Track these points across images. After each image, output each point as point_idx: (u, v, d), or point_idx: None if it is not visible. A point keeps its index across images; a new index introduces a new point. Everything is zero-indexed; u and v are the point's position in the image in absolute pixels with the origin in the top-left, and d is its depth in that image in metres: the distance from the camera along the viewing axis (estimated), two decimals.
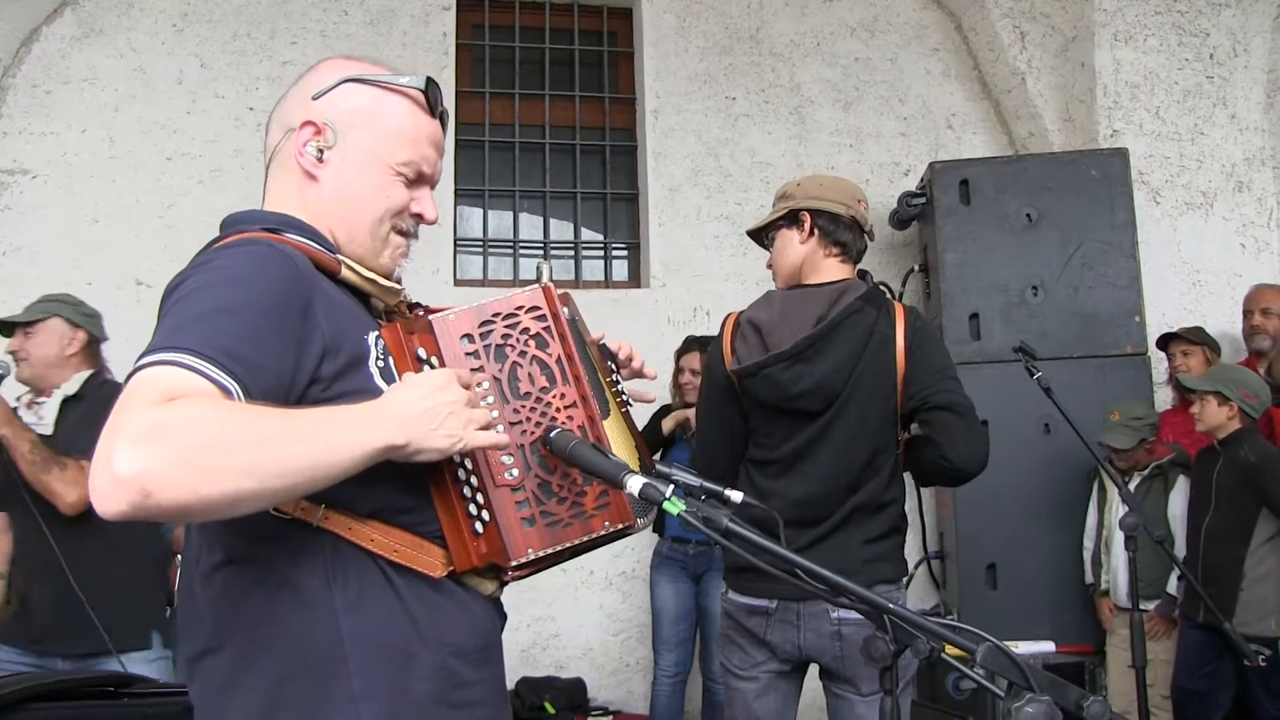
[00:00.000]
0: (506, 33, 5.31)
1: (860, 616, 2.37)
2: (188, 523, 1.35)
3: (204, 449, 1.05)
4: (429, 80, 1.44)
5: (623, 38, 5.40)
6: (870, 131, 5.35)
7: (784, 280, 2.71)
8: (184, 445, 1.05)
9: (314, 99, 1.41)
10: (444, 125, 1.48)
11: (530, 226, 5.26)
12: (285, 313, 1.23)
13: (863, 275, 2.67)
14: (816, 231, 2.63)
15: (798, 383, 2.50)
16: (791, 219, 2.67)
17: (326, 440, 1.16)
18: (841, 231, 2.63)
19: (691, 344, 4.44)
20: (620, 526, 1.38)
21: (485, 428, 1.28)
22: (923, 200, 4.82)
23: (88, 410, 3.15)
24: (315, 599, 1.28)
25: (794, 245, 2.67)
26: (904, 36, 5.46)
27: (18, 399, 3.19)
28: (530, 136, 5.24)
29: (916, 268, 5.00)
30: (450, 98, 5.04)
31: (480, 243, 5.18)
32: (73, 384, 3.19)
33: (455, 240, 5.04)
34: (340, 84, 1.41)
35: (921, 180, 4.90)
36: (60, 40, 4.77)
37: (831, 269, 2.63)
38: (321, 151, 1.40)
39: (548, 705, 4.58)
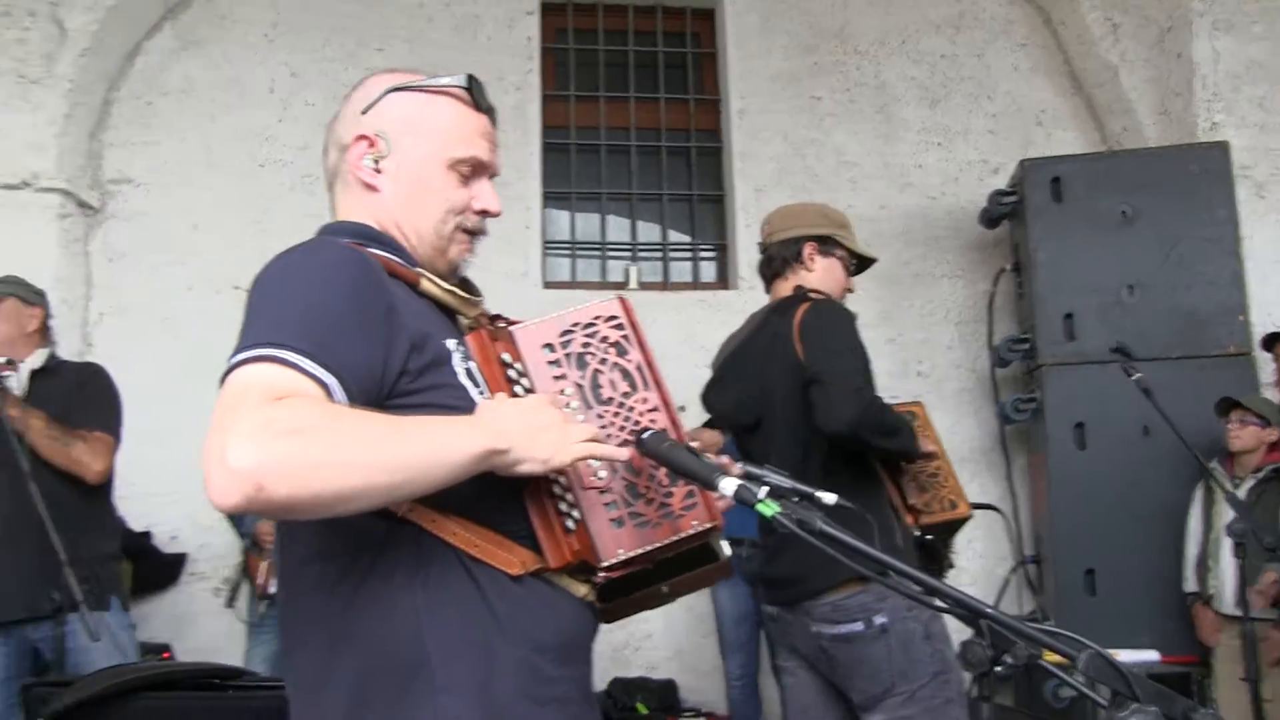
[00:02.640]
0: (590, 36, 5.61)
1: (840, 630, 2.63)
2: (291, 518, 1.43)
3: (315, 448, 1.18)
4: (470, 77, 1.56)
5: (706, 39, 5.69)
6: (958, 129, 5.56)
7: None
8: (296, 444, 1.17)
9: (363, 114, 1.54)
10: (493, 120, 1.59)
11: (617, 228, 5.56)
12: (371, 309, 1.34)
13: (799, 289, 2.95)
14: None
15: (721, 405, 2.96)
16: None
17: (431, 443, 1.27)
18: (764, 262, 3.02)
19: None
20: (708, 525, 1.44)
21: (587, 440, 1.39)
22: (1014, 198, 5.01)
23: (65, 385, 3.60)
24: (400, 593, 1.36)
25: None
26: (990, 32, 5.66)
27: None
28: (616, 139, 5.57)
29: (1008, 267, 5.20)
30: (535, 102, 5.37)
31: (568, 245, 5.48)
32: (36, 359, 3.60)
33: (543, 243, 5.33)
34: (385, 95, 1.54)
35: (1012, 178, 5.09)
36: (160, 54, 5.26)
37: (777, 289, 2.98)
38: (377, 161, 1.52)
39: (640, 706, 4.82)
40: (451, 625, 1.36)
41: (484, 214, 1.57)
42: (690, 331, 4.96)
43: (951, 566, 3.26)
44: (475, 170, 1.56)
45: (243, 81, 5.26)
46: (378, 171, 1.52)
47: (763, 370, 2.80)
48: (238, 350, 1.26)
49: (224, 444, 1.15)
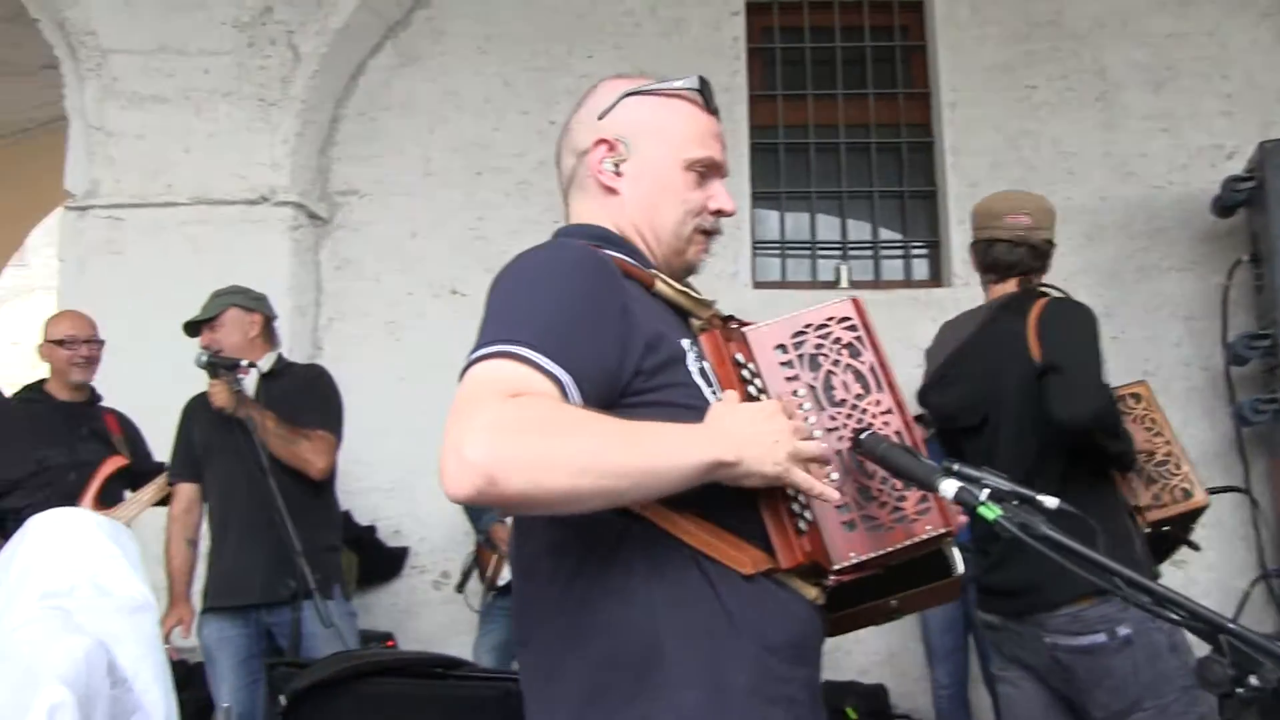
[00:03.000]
0: (796, 34, 5.62)
1: (1081, 642, 2.50)
2: (522, 514, 1.48)
3: (548, 446, 1.21)
4: (701, 79, 1.60)
5: (914, 31, 5.61)
6: (1186, 113, 5.33)
7: None
8: (530, 441, 1.20)
9: (600, 119, 1.58)
10: (718, 120, 1.63)
11: (827, 227, 5.55)
12: (607, 308, 1.37)
13: (1026, 284, 2.87)
14: (976, 263, 2.97)
15: (946, 405, 2.85)
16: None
17: (662, 448, 1.29)
18: (990, 255, 2.88)
19: None
20: (942, 531, 1.43)
21: (813, 458, 1.38)
22: (1251, 184, 4.79)
23: (291, 386, 3.84)
24: (634, 587, 1.38)
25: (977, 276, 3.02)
26: (1226, 6, 5.40)
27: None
28: (824, 136, 5.53)
29: (1245, 258, 4.95)
30: (743, 102, 5.39)
31: (778, 245, 5.49)
32: (265, 362, 3.85)
33: (753, 243, 5.36)
34: (621, 99, 1.58)
35: (1250, 162, 4.84)
36: (382, 71, 5.56)
37: (994, 290, 2.91)
38: (617, 165, 1.56)
39: (850, 710, 4.78)
40: (685, 620, 1.38)
41: (719, 214, 1.60)
42: (903, 330, 4.87)
43: (1196, 548, 3.12)
44: (709, 171, 1.59)
45: (459, 93, 5.49)
46: (618, 175, 1.56)
47: (993, 368, 2.74)
48: (477, 347, 1.31)
49: (460, 437, 1.19)
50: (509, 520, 4.36)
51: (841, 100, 5.57)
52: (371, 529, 5.19)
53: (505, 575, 4.52)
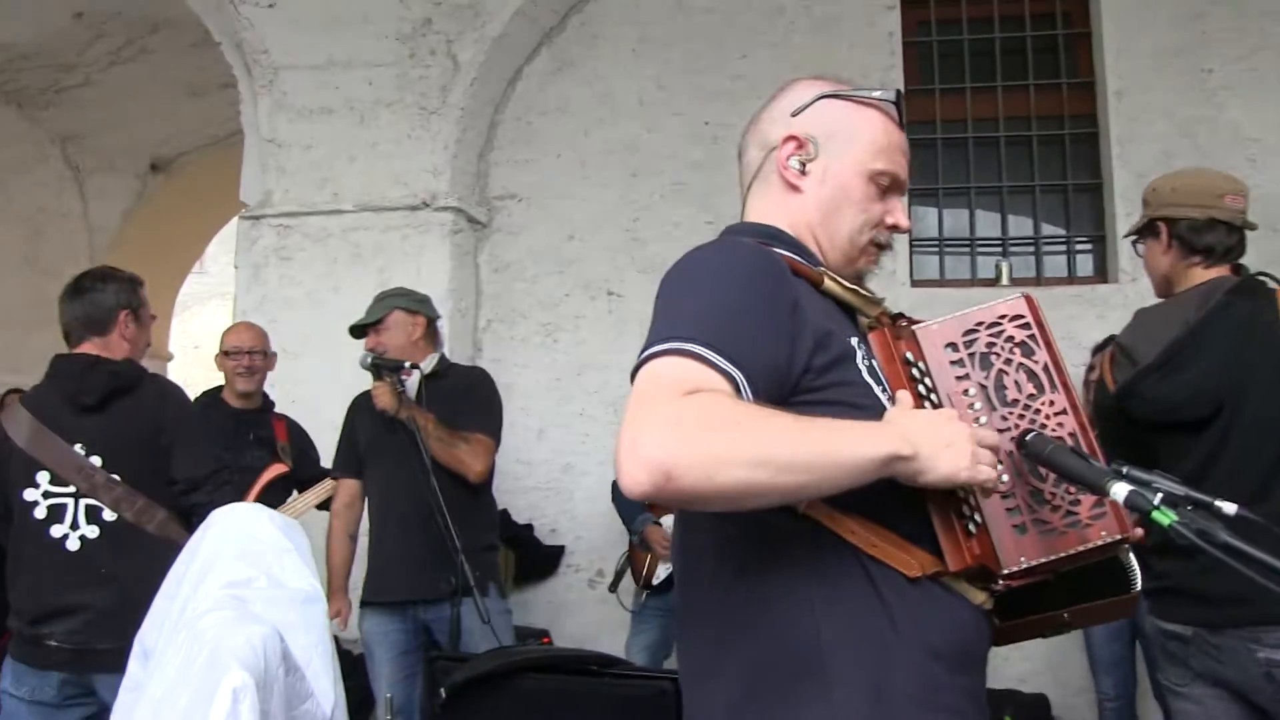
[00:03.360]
0: (953, 26, 5.51)
1: None
2: (695, 509, 1.47)
3: (723, 442, 1.21)
4: (898, 91, 1.61)
5: (1078, 18, 5.44)
6: None
7: (1157, 291, 2.77)
8: (705, 437, 1.20)
9: (793, 115, 1.58)
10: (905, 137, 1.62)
11: (987, 223, 5.42)
12: (776, 305, 1.36)
13: (1237, 270, 2.64)
14: (1175, 241, 2.66)
15: (1171, 394, 2.52)
16: (1150, 229, 2.72)
17: (837, 442, 1.27)
18: (1203, 236, 2.62)
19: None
20: (1118, 537, 1.38)
21: (990, 446, 1.36)
22: None
23: (453, 388, 3.90)
24: (796, 587, 1.38)
25: (1157, 257, 2.72)
26: None
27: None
28: (983, 130, 5.40)
29: None
30: None
31: (935, 242, 5.37)
32: (428, 363, 3.92)
33: (910, 241, 5.27)
34: (817, 100, 1.58)
35: None
36: (538, 76, 5.68)
37: (1197, 275, 2.65)
38: (804, 164, 1.56)
39: (1009, 719, 4.64)
40: (847, 622, 1.37)
41: (894, 229, 1.59)
42: (1066, 328, 4.74)
43: None
44: (892, 186, 1.58)
45: (613, 96, 5.56)
46: (803, 173, 1.56)
47: (1235, 356, 2.48)
48: (649, 344, 1.32)
49: (637, 434, 1.21)
50: (664, 521, 4.43)
51: (1001, 92, 5.42)
52: (529, 527, 5.30)
53: (659, 575, 4.57)
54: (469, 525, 3.65)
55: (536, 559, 5.27)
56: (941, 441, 1.32)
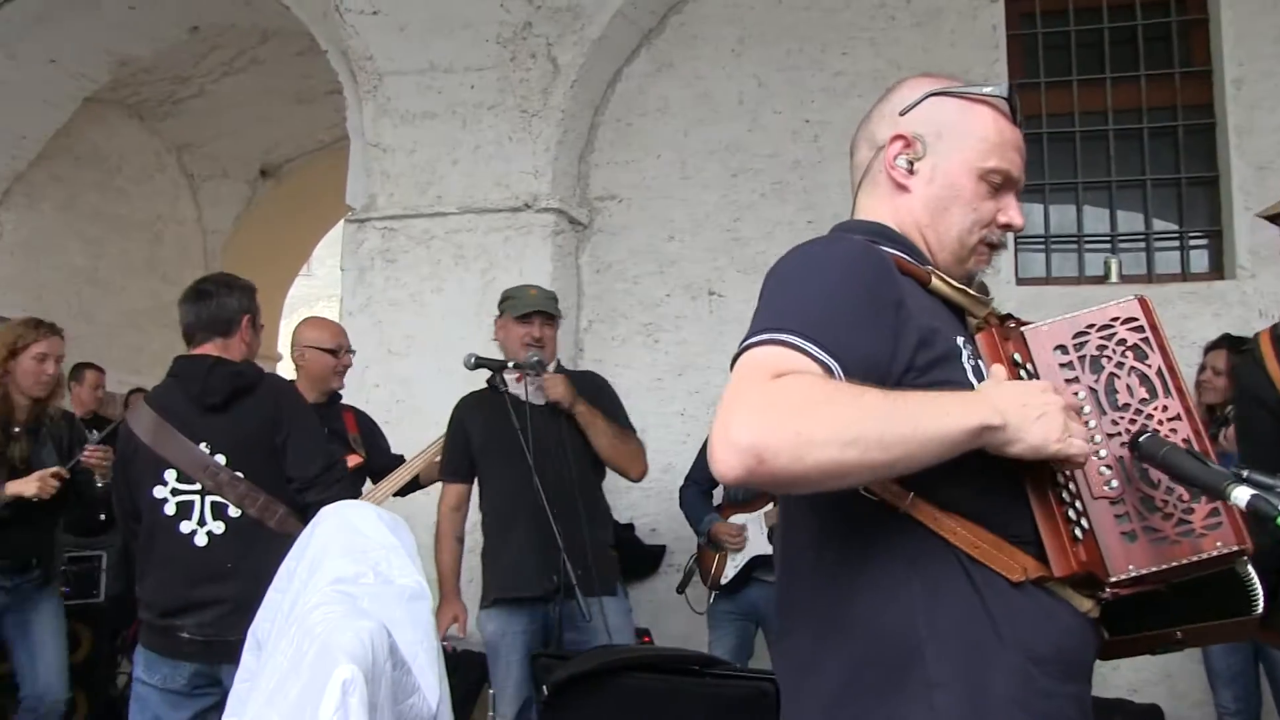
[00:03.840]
0: (1059, 18, 5.41)
1: None
2: (789, 491, 1.47)
3: (811, 421, 1.21)
4: (1011, 87, 1.57)
5: (1193, 4, 5.31)
6: None
7: None
8: (793, 417, 1.21)
9: (901, 114, 1.57)
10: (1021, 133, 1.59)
11: (1095, 219, 5.31)
12: (880, 302, 1.37)
13: None
14: None
15: None
16: None
17: (926, 416, 1.27)
18: None
19: (1222, 341, 4.26)
20: (1234, 549, 1.33)
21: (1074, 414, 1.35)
22: None
23: (581, 389, 3.88)
24: (897, 584, 1.38)
25: None
26: None
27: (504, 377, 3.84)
28: (1090, 124, 5.26)
29: None
30: None
31: (1041, 239, 5.27)
32: (552, 365, 3.95)
33: (1015, 238, 5.16)
34: (926, 98, 1.56)
35: None
36: (638, 78, 5.72)
37: None
38: (912, 163, 1.55)
39: None
40: (948, 622, 1.36)
41: (1007, 228, 1.57)
42: (1179, 327, 4.62)
43: None
44: (1005, 184, 1.55)
45: (712, 96, 5.57)
46: (911, 173, 1.55)
47: None
48: (748, 335, 1.34)
49: (728, 420, 1.22)
50: (734, 519, 4.42)
51: (1109, 84, 5.29)
52: (630, 527, 5.33)
53: (727, 574, 4.53)
54: (599, 522, 3.69)
55: (638, 558, 5.30)
56: (1033, 412, 1.31)
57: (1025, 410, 1.31)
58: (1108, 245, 5.28)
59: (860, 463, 1.23)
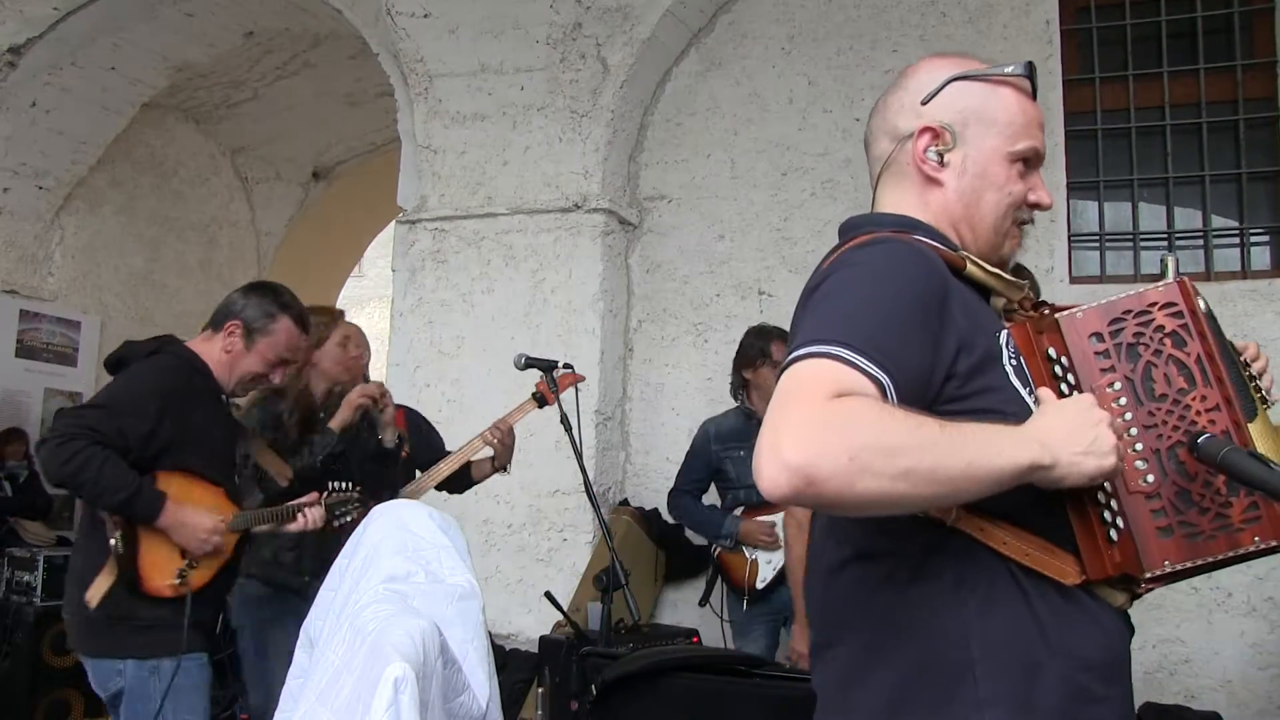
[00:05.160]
0: (1114, 11, 5.33)
1: None
2: (834, 514, 1.47)
3: (867, 449, 1.18)
4: (1030, 64, 1.56)
5: None
6: None
7: None
8: (849, 443, 1.18)
9: (923, 104, 1.54)
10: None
11: (1151, 216, 5.24)
12: (926, 308, 1.34)
13: None
14: None
15: None
16: None
17: (980, 454, 1.25)
18: None
19: None
20: (1273, 544, 1.33)
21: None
22: None
23: None
24: (944, 599, 1.37)
25: None
26: None
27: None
28: (1147, 119, 5.19)
29: None
30: (1056, 88, 5.19)
31: (1096, 237, 5.22)
32: None
33: (1069, 236, 5.13)
34: (947, 84, 1.53)
35: None
36: (687, 77, 5.74)
37: None
38: (942, 155, 1.53)
39: None
40: (998, 635, 1.35)
41: (1035, 206, 1.57)
42: (1239, 326, 4.55)
43: None
44: (1033, 161, 1.56)
45: (762, 95, 5.57)
46: (942, 165, 1.53)
47: None
48: (799, 345, 1.30)
49: (779, 437, 1.19)
50: (760, 518, 4.37)
51: (1166, 78, 5.22)
52: (678, 527, 5.34)
53: (763, 578, 4.43)
54: None
55: (686, 559, 5.31)
56: (1081, 445, 1.30)
57: (1073, 440, 1.30)
58: (1164, 243, 5.21)
59: (909, 495, 1.22)
